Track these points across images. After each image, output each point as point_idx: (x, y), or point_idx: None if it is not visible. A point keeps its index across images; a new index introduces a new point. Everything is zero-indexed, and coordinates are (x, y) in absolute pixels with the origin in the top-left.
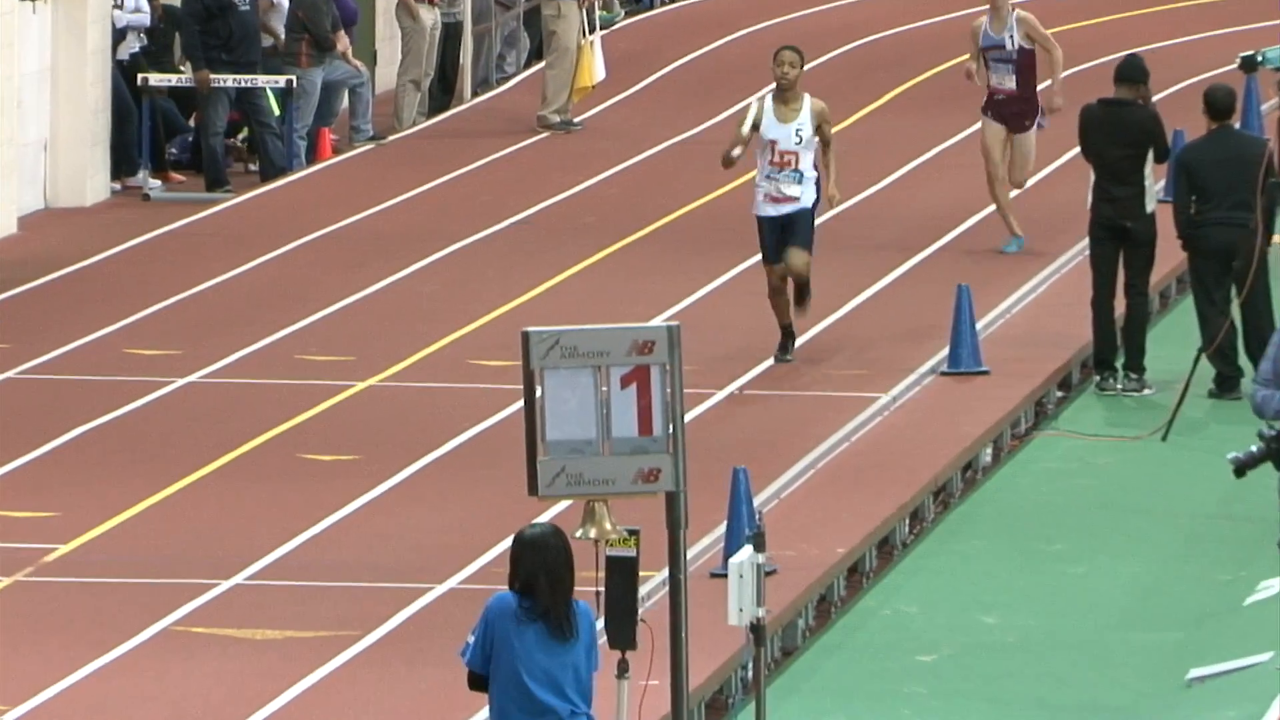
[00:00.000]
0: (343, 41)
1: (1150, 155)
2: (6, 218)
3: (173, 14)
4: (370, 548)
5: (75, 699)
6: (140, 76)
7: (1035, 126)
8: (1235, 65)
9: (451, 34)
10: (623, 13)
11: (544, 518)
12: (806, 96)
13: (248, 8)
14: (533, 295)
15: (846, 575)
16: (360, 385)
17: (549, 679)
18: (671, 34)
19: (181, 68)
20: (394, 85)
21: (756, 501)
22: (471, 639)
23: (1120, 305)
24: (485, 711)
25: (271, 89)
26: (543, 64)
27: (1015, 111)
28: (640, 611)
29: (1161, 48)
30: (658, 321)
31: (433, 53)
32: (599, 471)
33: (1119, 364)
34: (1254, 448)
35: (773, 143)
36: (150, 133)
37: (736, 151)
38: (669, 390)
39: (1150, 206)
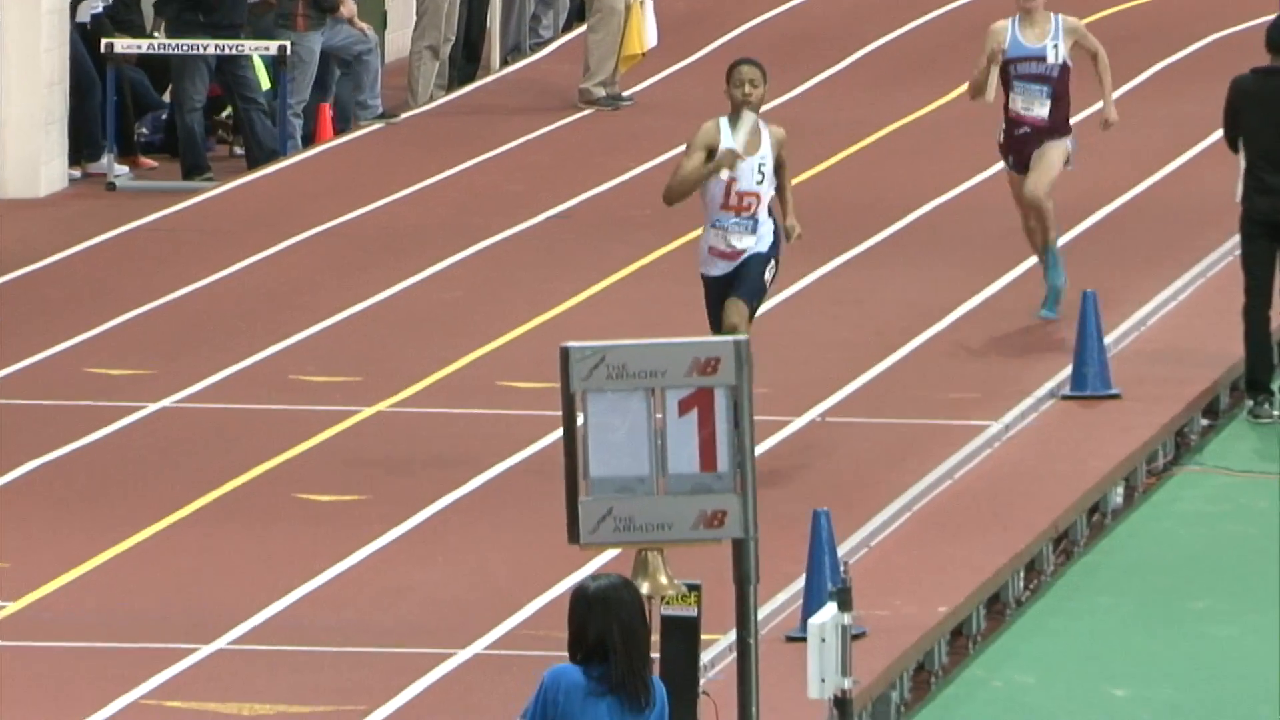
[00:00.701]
0: (348, 4)
1: None
2: None
3: None
4: (379, 606)
5: None
6: (104, 42)
7: (1067, 147)
8: None
9: None
10: None
11: (586, 570)
12: (762, 123)
13: None
14: (573, 304)
15: (949, 639)
16: (367, 411)
17: None
18: None
19: (155, 33)
20: (407, 53)
21: (841, 551)
22: None
23: (1278, 315)
24: None
25: (261, 57)
26: (584, 27)
27: (1038, 147)
28: (702, 682)
29: None
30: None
31: (454, 14)
32: (653, 515)
33: (1276, 385)
34: None
35: (730, 181)
36: (116, 109)
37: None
38: (736, 417)
39: None
